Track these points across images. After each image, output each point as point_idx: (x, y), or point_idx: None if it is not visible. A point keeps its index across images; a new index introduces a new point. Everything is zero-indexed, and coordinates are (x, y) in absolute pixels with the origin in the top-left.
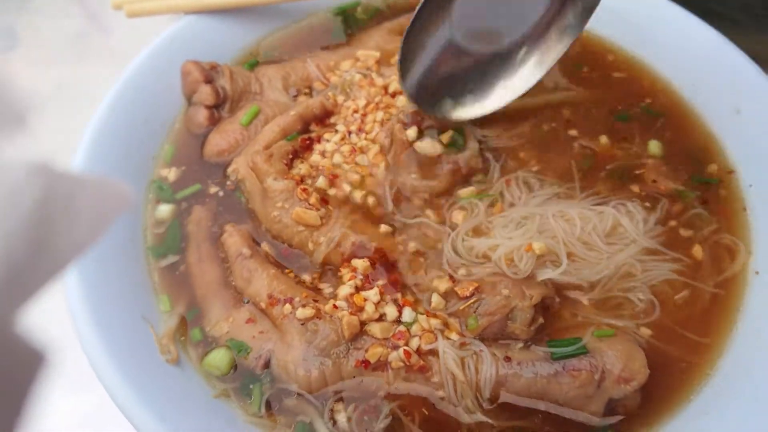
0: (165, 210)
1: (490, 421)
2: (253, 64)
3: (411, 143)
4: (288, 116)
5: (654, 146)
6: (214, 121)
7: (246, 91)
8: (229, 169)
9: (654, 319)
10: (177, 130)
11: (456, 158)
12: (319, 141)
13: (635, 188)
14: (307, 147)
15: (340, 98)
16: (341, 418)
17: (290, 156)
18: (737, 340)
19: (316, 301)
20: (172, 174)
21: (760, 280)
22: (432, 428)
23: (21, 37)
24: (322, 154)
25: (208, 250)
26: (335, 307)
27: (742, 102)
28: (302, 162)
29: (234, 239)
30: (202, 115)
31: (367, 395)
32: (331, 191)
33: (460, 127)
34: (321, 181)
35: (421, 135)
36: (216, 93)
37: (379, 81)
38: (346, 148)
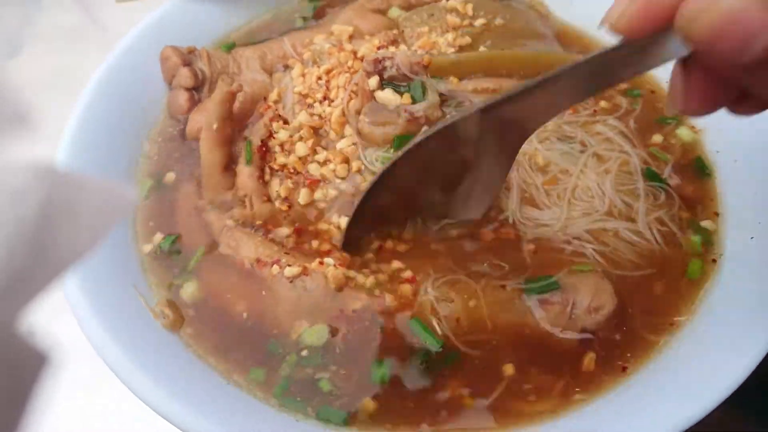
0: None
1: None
2: (230, 47)
3: (372, 92)
4: (212, 129)
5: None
6: (194, 103)
7: (224, 73)
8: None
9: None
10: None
11: (413, 108)
12: (271, 136)
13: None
14: (267, 149)
15: (313, 69)
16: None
17: (261, 179)
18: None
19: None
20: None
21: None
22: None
23: (19, 32)
24: (282, 147)
25: (197, 222)
26: (321, 263)
27: None
28: (272, 172)
29: (215, 214)
30: (182, 97)
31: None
32: (318, 194)
33: (421, 81)
34: (303, 196)
35: (382, 85)
36: (194, 75)
37: (348, 46)
38: (307, 129)
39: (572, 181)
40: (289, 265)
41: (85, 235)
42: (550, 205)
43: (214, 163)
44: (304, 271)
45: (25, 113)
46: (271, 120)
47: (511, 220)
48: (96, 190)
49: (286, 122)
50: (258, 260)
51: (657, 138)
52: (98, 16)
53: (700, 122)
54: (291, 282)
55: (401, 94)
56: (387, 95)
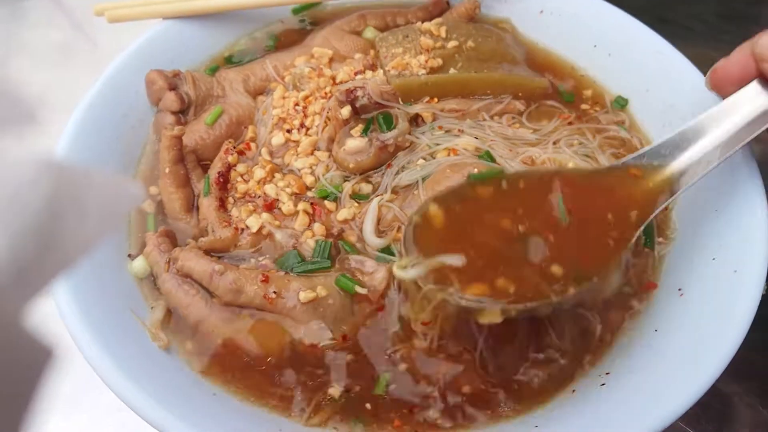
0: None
1: None
2: (214, 69)
3: (345, 121)
4: (167, 174)
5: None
6: (181, 125)
7: (209, 95)
8: (177, 265)
9: None
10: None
11: (383, 137)
12: (229, 168)
13: None
14: (226, 180)
15: (293, 93)
16: None
17: (222, 208)
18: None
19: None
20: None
21: None
22: None
23: (9, 46)
24: (243, 177)
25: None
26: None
27: (677, 98)
28: (234, 202)
29: (193, 262)
30: (169, 119)
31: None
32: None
33: (391, 110)
34: (253, 222)
35: (356, 113)
36: (180, 99)
37: (328, 72)
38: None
39: None
40: (302, 291)
41: (92, 227)
42: None
43: (176, 207)
44: (317, 295)
45: (33, 111)
46: (226, 153)
47: None
48: (102, 184)
49: (242, 153)
50: (266, 296)
51: None
52: (88, 34)
53: None
54: (308, 305)
55: (365, 136)
56: (356, 142)
